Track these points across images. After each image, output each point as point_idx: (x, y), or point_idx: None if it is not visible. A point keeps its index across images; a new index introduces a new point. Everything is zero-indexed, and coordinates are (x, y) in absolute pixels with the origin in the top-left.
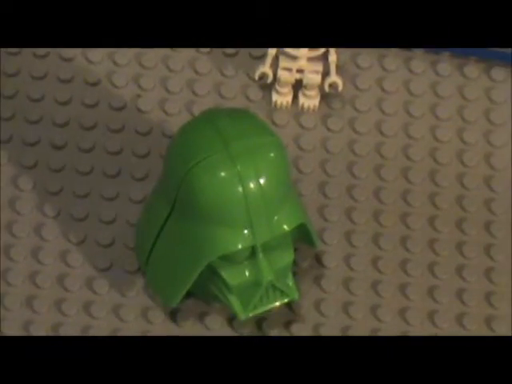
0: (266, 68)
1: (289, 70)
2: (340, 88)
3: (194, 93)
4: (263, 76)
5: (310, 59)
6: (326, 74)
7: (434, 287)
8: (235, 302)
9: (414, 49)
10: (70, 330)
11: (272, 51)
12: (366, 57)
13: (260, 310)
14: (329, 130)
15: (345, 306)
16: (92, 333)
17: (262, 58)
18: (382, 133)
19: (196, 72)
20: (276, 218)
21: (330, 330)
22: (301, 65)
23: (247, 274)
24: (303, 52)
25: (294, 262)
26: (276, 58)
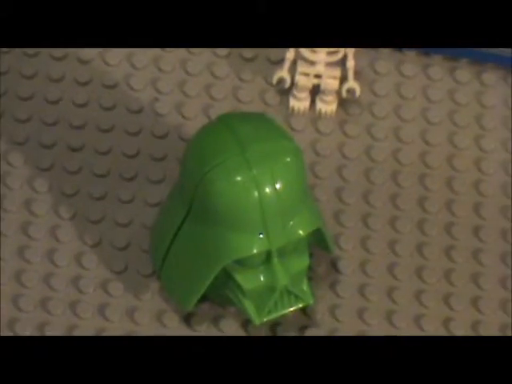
0: (283, 73)
1: (307, 75)
2: (357, 94)
3: (211, 97)
4: (281, 81)
5: (327, 64)
6: (343, 79)
7: (450, 294)
8: (250, 307)
9: (432, 55)
10: (84, 332)
11: (290, 56)
12: (384, 62)
13: (275, 315)
14: (346, 135)
15: (360, 312)
16: (106, 335)
17: (280, 62)
18: (399, 139)
19: (214, 76)
20: (292, 222)
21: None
22: (319, 70)
23: (262, 278)
24: (321, 57)
25: (310, 267)
26: (294, 63)
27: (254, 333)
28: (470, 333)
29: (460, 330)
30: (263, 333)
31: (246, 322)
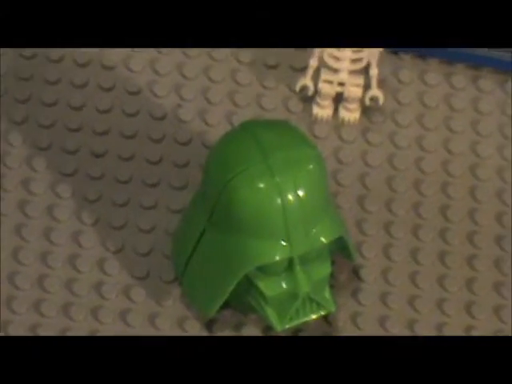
0: (307, 80)
1: (330, 82)
2: (381, 102)
3: (234, 104)
4: (304, 88)
5: (351, 72)
6: (367, 87)
7: (472, 303)
8: (272, 314)
9: (455, 64)
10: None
11: (313, 64)
12: (408, 71)
13: (296, 322)
14: (369, 143)
15: (382, 320)
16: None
17: (304, 70)
18: (422, 147)
19: (237, 83)
20: (314, 230)
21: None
22: (342, 78)
23: (284, 285)
24: (345, 65)
25: (332, 275)
26: (317, 71)
27: None
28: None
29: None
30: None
31: (268, 329)
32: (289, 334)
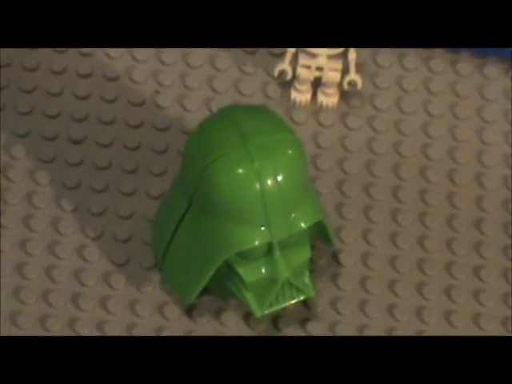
0: (285, 65)
1: (308, 67)
2: (359, 86)
3: (212, 89)
4: (282, 73)
5: (329, 57)
6: (345, 71)
7: (451, 286)
8: (251, 299)
9: (433, 48)
10: (86, 324)
11: (291, 49)
12: (386, 55)
13: (276, 308)
14: (347, 128)
15: (361, 305)
16: (107, 327)
17: (282, 55)
18: (400, 131)
19: (215, 69)
20: (293, 215)
21: (346, 328)
22: (320, 62)
23: (263, 270)
24: (323, 50)
25: (311, 260)
26: (295, 56)
27: (255, 326)
28: (471, 326)
29: (461, 322)
30: (264, 325)
31: (248, 315)
32: (269, 327)
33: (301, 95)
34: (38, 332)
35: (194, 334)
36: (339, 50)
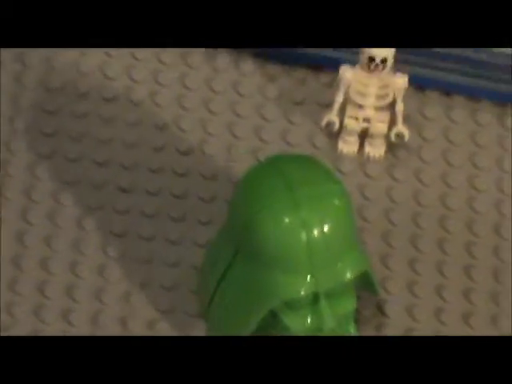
0: (332, 116)
1: (355, 118)
2: (406, 138)
3: (260, 139)
4: (330, 124)
5: (376, 108)
6: (392, 123)
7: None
8: None
9: (480, 100)
10: None
11: (339, 99)
12: (433, 107)
13: None
14: (394, 179)
15: None
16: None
17: (329, 106)
18: (446, 184)
19: (263, 118)
20: (339, 265)
21: None
22: (367, 114)
23: (309, 320)
24: (370, 101)
25: (356, 310)
26: (343, 107)
27: None
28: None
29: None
30: None
31: None
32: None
33: (348, 146)
34: None
35: None
36: (386, 102)
